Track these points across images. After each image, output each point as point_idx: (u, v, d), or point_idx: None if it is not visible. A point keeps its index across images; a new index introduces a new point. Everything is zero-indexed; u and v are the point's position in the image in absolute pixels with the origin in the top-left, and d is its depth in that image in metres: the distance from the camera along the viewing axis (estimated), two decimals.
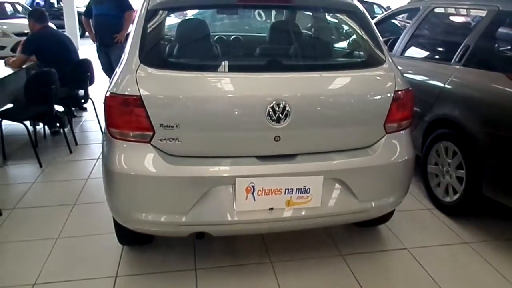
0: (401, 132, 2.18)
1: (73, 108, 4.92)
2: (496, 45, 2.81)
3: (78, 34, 11.20)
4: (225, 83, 1.94)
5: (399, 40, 3.65)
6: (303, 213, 2.03)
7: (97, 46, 5.35)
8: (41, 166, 3.68)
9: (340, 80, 2.04)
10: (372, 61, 2.13)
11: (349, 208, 2.10)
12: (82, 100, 4.38)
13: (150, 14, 2.08)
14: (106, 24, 5.12)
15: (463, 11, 3.24)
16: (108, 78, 5.53)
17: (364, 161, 2.06)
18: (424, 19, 3.51)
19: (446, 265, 2.44)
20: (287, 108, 1.88)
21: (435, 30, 3.61)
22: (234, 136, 1.94)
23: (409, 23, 4.03)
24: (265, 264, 2.41)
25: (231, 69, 1.98)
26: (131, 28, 2.23)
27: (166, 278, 2.28)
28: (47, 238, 2.61)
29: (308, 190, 1.98)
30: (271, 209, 1.99)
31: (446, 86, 2.94)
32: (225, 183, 1.93)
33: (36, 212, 2.95)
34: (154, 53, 2.04)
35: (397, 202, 2.27)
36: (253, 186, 1.92)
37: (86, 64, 4.29)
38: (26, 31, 6.68)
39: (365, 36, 2.20)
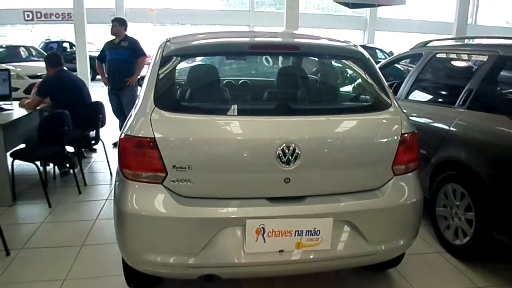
0: (409, 174, 2.20)
1: (82, 149, 5.01)
2: (498, 89, 2.89)
3: (89, 77, 11.57)
4: (236, 126, 2.01)
5: (403, 84, 3.75)
6: (313, 255, 2.02)
7: (108, 89, 5.52)
8: (50, 206, 3.70)
9: (347, 124, 2.10)
10: (378, 105, 2.20)
11: (359, 250, 2.09)
12: (93, 142, 4.46)
13: (165, 60, 2.18)
14: (119, 68, 5.31)
15: (465, 57, 3.35)
16: (118, 121, 5.68)
17: (373, 203, 2.08)
18: (426, 64, 3.63)
19: None
20: (296, 151, 1.93)
21: (437, 74, 3.72)
22: (245, 177, 1.97)
23: (411, 67, 4.16)
24: None
25: (242, 112, 2.06)
26: (146, 73, 2.34)
27: None
28: (54, 280, 2.59)
29: (318, 232, 1.98)
30: (281, 251, 1.98)
31: (451, 128, 2.99)
32: (235, 225, 1.94)
33: (44, 252, 2.94)
34: (168, 97, 2.12)
35: (407, 245, 2.26)
36: (263, 228, 1.93)
37: (98, 107, 4.42)
38: (39, 74, 6.91)
39: (370, 81, 2.29)
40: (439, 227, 3.12)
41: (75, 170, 4.23)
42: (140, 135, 1.94)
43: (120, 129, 5.68)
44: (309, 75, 2.43)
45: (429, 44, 3.81)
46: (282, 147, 1.92)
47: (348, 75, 2.36)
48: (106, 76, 5.53)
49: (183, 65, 2.34)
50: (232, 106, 2.13)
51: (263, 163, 1.94)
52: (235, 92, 2.36)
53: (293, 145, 1.93)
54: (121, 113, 5.54)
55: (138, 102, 2.18)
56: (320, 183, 2.04)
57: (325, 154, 2.01)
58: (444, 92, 3.36)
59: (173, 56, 2.23)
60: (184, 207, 1.92)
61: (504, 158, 2.52)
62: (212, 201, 1.96)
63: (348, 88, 2.33)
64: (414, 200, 2.18)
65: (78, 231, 3.27)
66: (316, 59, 2.43)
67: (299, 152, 1.93)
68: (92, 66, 9.50)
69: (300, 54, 2.26)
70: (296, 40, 2.49)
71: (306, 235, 1.98)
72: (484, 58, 3.01)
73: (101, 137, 4.64)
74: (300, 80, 2.35)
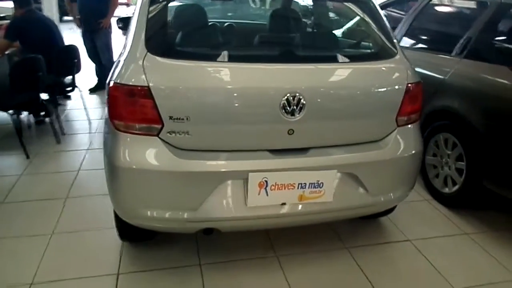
0: (411, 125, 2.16)
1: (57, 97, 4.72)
2: (499, 38, 2.81)
3: (58, 17, 10.74)
4: (239, 74, 1.86)
5: (395, 31, 3.62)
6: (315, 207, 1.99)
7: (82, 31, 5.13)
8: (28, 157, 3.52)
9: (354, 72, 1.99)
10: (384, 53, 2.09)
11: (360, 202, 2.07)
12: (69, 88, 4.19)
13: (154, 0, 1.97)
14: (92, 8, 4.91)
15: (463, 3, 3.22)
16: (94, 65, 5.35)
17: (377, 155, 2.03)
18: (422, 10, 3.49)
19: (448, 256, 2.46)
20: (302, 101, 1.82)
21: (433, 21, 3.59)
22: (246, 129, 1.87)
23: (400, 13, 4.00)
24: (270, 258, 2.37)
25: (244, 59, 1.89)
26: (133, 14, 2.11)
27: (171, 274, 2.22)
28: (41, 234, 2.49)
29: (321, 184, 1.93)
30: (283, 204, 1.94)
31: (447, 78, 2.93)
32: (237, 178, 1.87)
33: (27, 206, 2.81)
34: (162, 41, 1.93)
35: (405, 195, 2.26)
36: (266, 181, 1.86)
37: (73, 51, 4.10)
38: (2, 15, 6.34)
39: (376, 28, 2.16)
40: (427, 176, 3.16)
41: (51, 118, 3.99)
42: (132, 83, 1.77)
43: (96, 74, 5.48)
44: (309, 19, 2.25)
45: None
46: (287, 96, 1.80)
47: (354, 21, 2.20)
48: (78, 17, 5.12)
49: (175, 4, 2.11)
50: (234, 52, 1.96)
51: (266, 113, 1.83)
52: (233, 36, 2.17)
53: (298, 94, 1.81)
54: (96, 57, 5.22)
55: (126, 46, 1.98)
56: (324, 134, 1.96)
57: (330, 104, 1.92)
58: (440, 40, 3.26)
59: None
60: (182, 160, 1.81)
61: (502, 110, 2.49)
62: (212, 154, 1.86)
63: (354, 35, 2.19)
64: (415, 151, 2.15)
65: (61, 183, 3.13)
66: (321, 1, 2.24)
67: (304, 102, 1.83)
68: (60, 6, 8.77)
69: None
70: None
71: (309, 187, 1.93)
72: (485, 5, 2.90)
73: (77, 83, 4.37)
74: (300, 25, 2.18)
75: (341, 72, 1.98)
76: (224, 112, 1.82)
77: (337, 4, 2.25)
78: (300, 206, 1.96)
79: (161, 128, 1.80)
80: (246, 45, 2.11)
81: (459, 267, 2.37)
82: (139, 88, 1.76)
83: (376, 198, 2.10)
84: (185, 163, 1.81)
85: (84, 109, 4.47)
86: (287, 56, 2.01)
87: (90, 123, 4.42)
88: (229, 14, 3.07)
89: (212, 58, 1.86)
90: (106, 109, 2.01)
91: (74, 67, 4.02)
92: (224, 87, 1.82)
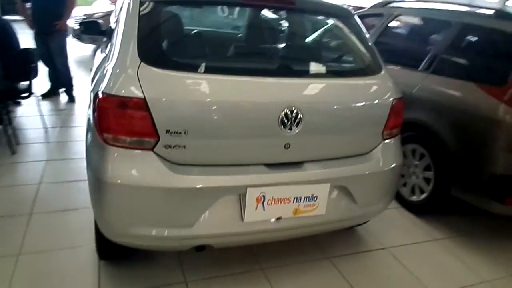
0: (394, 138, 2.25)
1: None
2: (465, 56, 3.02)
3: None
4: (239, 87, 1.83)
5: None
6: (309, 221, 2.00)
7: (34, 33, 4.80)
8: None
9: (348, 87, 2.04)
10: (371, 69, 2.16)
11: (349, 213, 2.12)
12: (26, 94, 3.89)
13: (144, 3, 1.88)
14: (46, 9, 4.61)
15: (428, 21, 3.43)
16: (47, 69, 5.02)
17: (365, 168, 2.09)
18: (387, 26, 3.67)
19: (422, 262, 2.58)
20: (299, 115, 1.83)
21: (399, 37, 3.78)
22: (245, 143, 1.84)
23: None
24: (256, 271, 2.35)
25: (243, 71, 1.86)
26: (116, 19, 2.01)
27: None
28: (6, 256, 2.28)
29: (316, 198, 1.95)
30: (278, 218, 1.93)
31: (414, 91, 3.09)
32: (234, 193, 1.83)
33: None
34: (157, 51, 1.85)
35: (387, 206, 2.35)
36: (263, 196, 1.85)
37: (30, 54, 3.82)
38: None
39: (361, 43, 2.23)
40: None
41: (5, 127, 3.68)
42: (126, 94, 1.68)
43: (50, 79, 5.15)
44: (300, 34, 2.27)
45: (391, 5, 3.83)
46: (285, 110, 1.81)
47: (341, 37, 2.26)
48: (31, 18, 4.78)
49: (168, 11, 2.04)
50: (234, 65, 1.93)
51: (265, 127, 1.82)
52: (232, 48, 2.13)
53: (296, 108, 1.82)
54: (50, 61, 4.91)
55: (111, 54, 1.88)
56: (318, 148, 1.99)
57: (325, 119, 1.95)
58: (406, 55, 3.43)
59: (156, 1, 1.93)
60: (178, 176, 1.75)
61: (470, 124, 2.68)
62: (209, 169, 1.81)
63: (343, 51, 2.24)
64: (398, 163, 2.24)
65: (22, 198, 2.90)
66: (308, 16, 2.27)
67: (301, 117, 1.84)
68: (2, 4, 8.13)
69: (295, 10, 2.10)
70: None
71: (304, 201, 1.94)
72: (449, 25, 3.10)
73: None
74: (295, 39, 2.20)
75: (335, 87, 2.02)
76: (222, 126, 1.78)
77: (324, 20, 2.29)
78: (294, 220, 1.97)
79: (157, 142, 1.72)
80: (245, 58, 2.08)
81: (434, 272, 2.50)
82: (134, 99, 1.67)
83: (363, 209, 2.16)
84: (181, 178, 1.75)
85: (40, 116, 4.17)
86: (286, 70, 2.02)
87: (46, 131, 4.13)
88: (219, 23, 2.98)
89: (212, 70, 1.82)
90: (91, 120, 1.89)
91: (31, 72, 3.75)
92: (224, 100, 1.78)
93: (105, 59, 2.04)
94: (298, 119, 1.83)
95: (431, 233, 2.91)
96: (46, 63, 4.95)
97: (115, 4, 3.65)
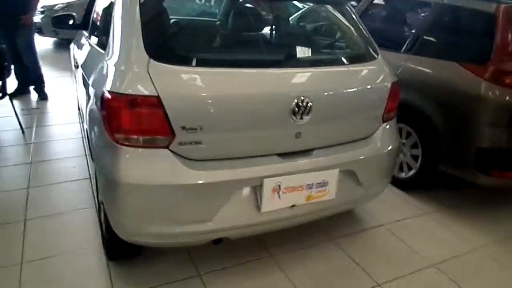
0: (391, 121, 2.33)
1: None
2: (446, 36, 3.13)
3: None
4: (251, 79, 1.84)
5: None
6: (320, 206, 2.06)
7: None
8: None
9: (351, 74, 2.09)
10: (370, 55, 2.22)
11: (356, 196, 2.20)
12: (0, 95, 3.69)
13: None
14: (11, 2, 4.34)
15: (409, 2, 3.52)
16: (15, 67, 4.76)
17: (369, 151, 2.17)
18: (367, 8, 3.74)
19: (417, 235, 2.72)
20: (309, 104, 1.86)
21: (380, 19, 3.86)
22: (259, 134, 1.86)
23: None
24: (266, 259, 2.40)
25: (254, 64, 1.87)
26: (112, 12, 1.95)
27: None
28: (9, 265, 2.20)
29: (326, 183, 2.01)
30: (292, 206, 1.97)
31: (398, 73, 3.18)
32: (251, 185, 1.85)
33: None
34: (165, 45, 1.82)
35: (386, 186, 2.44)
36: (279, 185, 1.88)
37: (2, 53, 3.60)
38: None
39: (358, 30, 2.28)
40: None
41: None
42: (138, 92, 1.65)
43: (17, 77, 4.88)
44: (303, 23, 2.28)
45: None
46: (296, 100, 1.83)
47: (338, 24, 2.29)
48: None
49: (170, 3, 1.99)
50: (244, 57, 1.93)
51: (277, 117, 1.84)
52: (240, 40, 2.12)
53: (306, 98, 1.85)
54: (17, 58, 4.65)
55: (112, 50, 1.83)
56: (326, 135, 2.03)
57: (332, 106, 1.99)
58: (389, 37, 3.52)
59: None
60: (196, 172, 1.75)
61: (455, 101, 2.81)
62: (225, 163, 1.82)
63: (342, 38, 2.27)
64: (396, 145, 2.34)
65: (12, 204, 2.78)
66: (305, 4, 2.28)
67: (311, 105, 1.87)
68: None
69: None
70: None
71: (316, 187, 1.99)
72: (430, 6, 3.20)
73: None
74: (299, 29, 2.21)
75: (339, 74, 2.07)
76: (237, 119, 1.79)
77: (321, 8, 2.31)
78: (307, 206, 2.02)
79: (172, 140, 1.71)
80: (254, 49, 2.08)
81: (429, 244, 2.64)
82: (147, 98, 1.65)
83: (368, 191, 2.25)
84: (199, 174, 1.75)
85: (14, 116, 3.97)
86: (293, 59, 2.04)
87: (23, 132, 3.94)
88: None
89: (224, 63, 1.81)
90: (96, 120, 1.84)
91: (5, 71, 3.55)
92: (238, 93, 1.79)
93: (100, 56, 1.98)
94: (308, 108, 1.87)
95: (421, 208, 3.06)
96: (13, 61, 4.68)
97: None
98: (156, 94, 1.64)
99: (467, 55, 2.86)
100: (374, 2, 3.71)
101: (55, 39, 8.40)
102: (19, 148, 3.68)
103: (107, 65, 1.84)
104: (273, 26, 2.21)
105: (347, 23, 2.28)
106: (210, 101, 1.73)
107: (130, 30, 1.78)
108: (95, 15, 2.73)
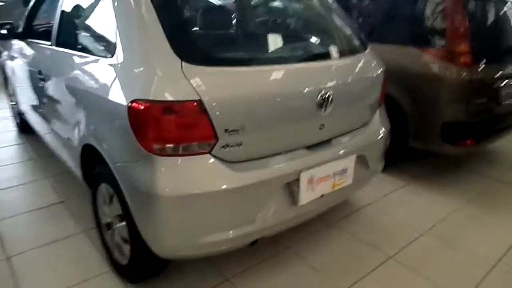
0: (382, 106, 2.51)
1: None
2: (404, 23, 3.40)
3: None
4: (282, 76, 1.85)
5: None
6: (340, 192, 2.16)
7: None
8: None
9: (359, 64, 2.21)
10: (363, 45, 2.36)
11: (365, 179, 2.35)
12: None
13: None
14: None
15: None
16: None
17: (374, 135, 2.33)
18: None
19: (401, 207, 2.98)
20: (330, 96, 1.94)
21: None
22: (290, 129, 1.88)
23: None
24: (284, 252, 2.43)
25: (281, 61, 1.88)
26: (120, 14, 1.81)
27: None
28: None
29: (346, 170, 2.11)
30: (322, 196, 2.04)
31: None
32: (288, 180, 1.87)
33: None
34: (195, 46, 1.74)
35: (383, 166, 2.62)
36: (312, 177, 1.93)
37: None
38: None
39: (348, 22, 2.40)
40: None
41: None
42: (178, 98, 1.57)
43: None
44: (313, 19, 2.31)
45: None
46: (321, 93, 1.89)
47: (331, 17, 2.37)
48: None
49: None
50: (273, 55, 1.92)
51: (305, 111, 1.89)
52: (263, 37, 2.08)
53: (328, 90, 1.92)
54: None
55: (130, 54, 1.71)
56: (342, 123, 2.13)
57: (345, 95, 2.09)
58: None
59: None
60: (240, 174, 1.72)
61: (418, 84, 3.11)
62: (262, 161, 1.82)
63: (340, 30, 2.35)
64: (389, 126, 2.52)
65: None
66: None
67: (332, 97, 1.95)
68: None
69: None
70: None
71: (339, 175, 2.08)
72: None
73: None
74: (313, 24, 2.24)
75: (349, 65, 2.18)
76: (273, 116, 1.79)
77: (322, 4, 2.36)
78: (332, 194, 2.10)
79: (215, 144, 1.65)
80: (279, 46, 2.07)
81: (413, 213, 2.90)
82: (188, 102, 1.57)
83: (372, 172, 2.41)
84: (243, 176, 1.72)
85: None
86: (313, 54, 2.09)
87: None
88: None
89: (256, 62, 1.79)
90: (120, 133, 1.71)
91: None
92: (273, 90, 1.79)
93: (100, 63, 1.85)
94: (329, 100, 1.94)
95: (397, 183, 3.34)
96: None
97: None
98: (198, 98, 1.58)
99: (425, 40, 3.16)
100: None
101: None
102: None
103: (125, 72, 1.71)
104: (291, 22, 2.24)
105: (342, 17, 2.39)
106: (249, 101, 1.71)
107: (151, 33, 1.67)
108: (66, 19, 2.48)
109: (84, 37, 2.25)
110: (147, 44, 1.67)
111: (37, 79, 2.67)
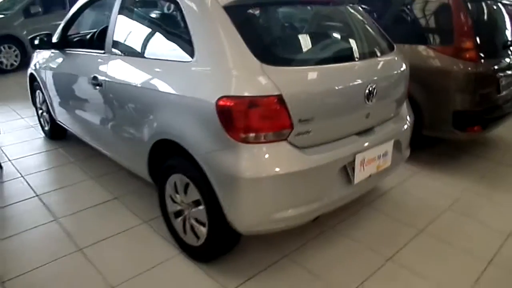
0: (406, 99, 2.85)
1: None
2: (415, 24, 3.77)
3: None
4: (342, 73, 2.19)
5: None
6: (382, 173, 2.49)
7: None
8: None
9: (393, 61, 2.55)
10: (392, 45, 2.70)
11: (399, 162, 2.67)
12: None
13: (233, 9, 2.03)
14: None
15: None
16: None
17: (405, 123, 2.68)
18: None
19: (421, 190, 3.31)
20: (375, 89, 2.26)
21: None
22: (346, 118, 2.21)
23: None
24: (327, 232, 2.72)
25: (339, 60, 2.24)
26: (193, 20, 2.09)
27: (273, 272, 2.34)
28: None
29: (387, 153, 2.44)
30: (369, 176, 2.35)
31: None
32: (346, 161, 2.18)
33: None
34: (270, 51, 2.10)
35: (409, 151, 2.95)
36: (364, 159, 2.24)
37: None
38: None
39: (378, 27, 2.74)
40: None
41: None
42: (264, 93, 1.87)
43: None
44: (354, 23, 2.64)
45: None
46: (368, 86, 2.21)
47: (365, 20, 2.72)
48: None
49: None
50: (332, 54, 2.28)
51: (357, 102, 2.22)
52: (320, 40, 2.43)
53: (374, 84, 2.24)
54: None
55: (221, 61, 1.99)
56: (383, 113, 2.47)
57: (386, 88, 2.42)
58: None
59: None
60: (310, 157, 2.02)
61: (430, 78, 3.47)
62: (325, 146, 2.13)
63: (374, 32, 2.70)
64: (413, 117, 2.86)
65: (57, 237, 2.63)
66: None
67: (376, 90, 2.27)
68: None
69: (334, 3, 2.54)
70: None
71: (382, 157, 2.40)
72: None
73: None
74: (352, 26, 2.58)
75: (388, 62, 2.53)
76: (334, 107, 2.12)
77: (353, 10, 2.69)
78: (377, 175, 2.43)
79: (291, 132, 1.95)
80: (334, 48, 2.41)
81: (433, 194, 3.24)
82: (272, 97, 1.86)
83: (404, 157, 2.74)
84: (313, 159, 2.03)
85: None
86: (360, 53, 2.42)
87: (1, 167, 3.59)
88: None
89: (320, 61, 2.15)
90: (206, 126, 1.98)
91: None
92: (336, 85, 2.12)
93: (180, 65, 2.15)
94: (375, 92, 2.26)
95: (412, 169, 3.68)
96: None
97: None
98: (279, 93, 1.87)
99: (435, 39, 3.54)
100: None
101: None
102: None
103: (211, 74, 2.01)
104: (346, 29, 2.57)
105: (375, 23, 2.75)
106: (317, 94, 2.04)
107: (232, 42, 1.98)
108: (128, 29, 2.72)
109: (157, 44, 2.49)
110: (231, 51, 1.98)
111: (91, 85, 2.87)
